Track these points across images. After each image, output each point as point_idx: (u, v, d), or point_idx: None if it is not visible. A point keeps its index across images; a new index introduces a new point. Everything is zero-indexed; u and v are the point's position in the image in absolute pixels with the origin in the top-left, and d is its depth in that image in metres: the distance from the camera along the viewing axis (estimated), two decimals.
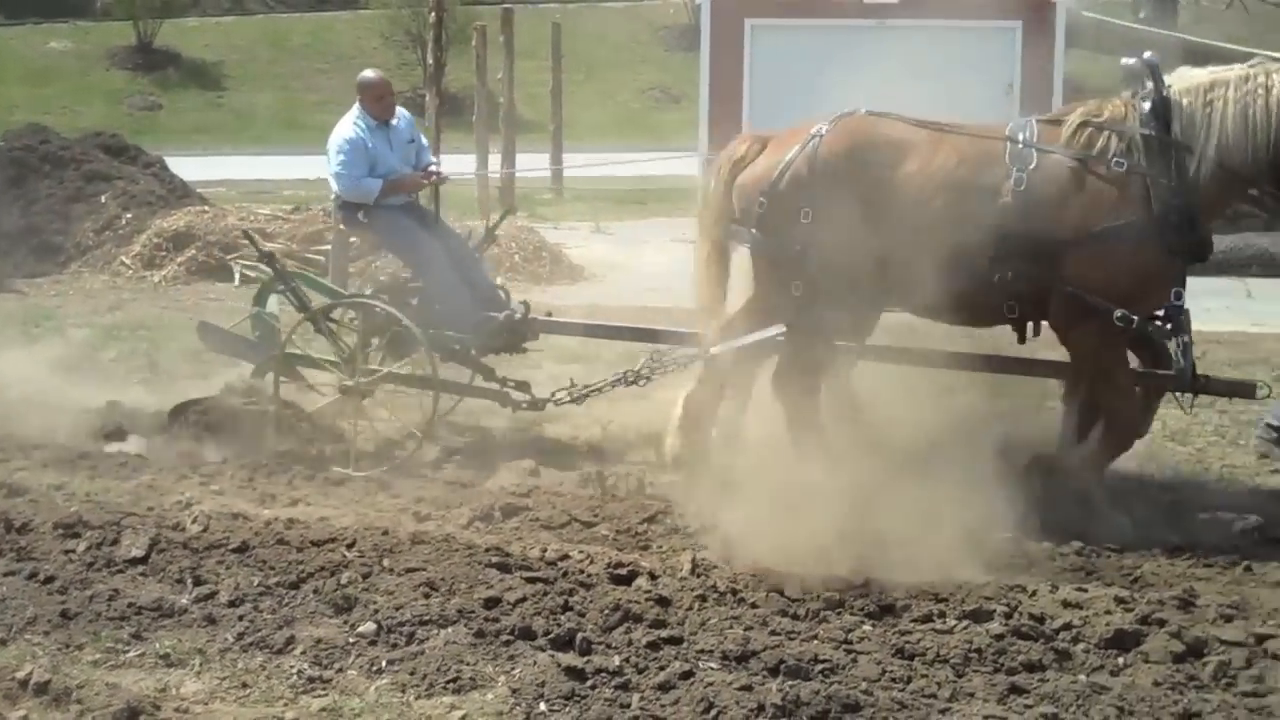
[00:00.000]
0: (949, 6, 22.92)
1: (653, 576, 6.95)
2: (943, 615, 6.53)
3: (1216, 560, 7.59)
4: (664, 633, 6.24)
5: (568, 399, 9.65)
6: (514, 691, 5.72)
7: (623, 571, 6.99)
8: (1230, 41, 31.42)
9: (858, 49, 22.94)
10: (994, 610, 6.53)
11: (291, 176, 28.52)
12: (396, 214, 10.19)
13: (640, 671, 5.89)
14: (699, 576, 6.97)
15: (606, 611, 6.43)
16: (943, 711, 5.59)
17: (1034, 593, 6.82)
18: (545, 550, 7.45)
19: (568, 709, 5.61)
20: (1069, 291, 8.02)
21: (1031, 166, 8.15)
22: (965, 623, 6.43)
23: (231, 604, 6.69)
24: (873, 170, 8.40)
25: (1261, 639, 6.34)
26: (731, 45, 23.02)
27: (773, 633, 6.29)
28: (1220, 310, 15.33)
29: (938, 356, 9.24)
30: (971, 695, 5.77)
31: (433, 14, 27.51)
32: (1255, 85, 7.98)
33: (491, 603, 6.54)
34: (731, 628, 6.31)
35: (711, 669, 5.88)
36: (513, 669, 5.92)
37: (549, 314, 10.44)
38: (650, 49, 49.30)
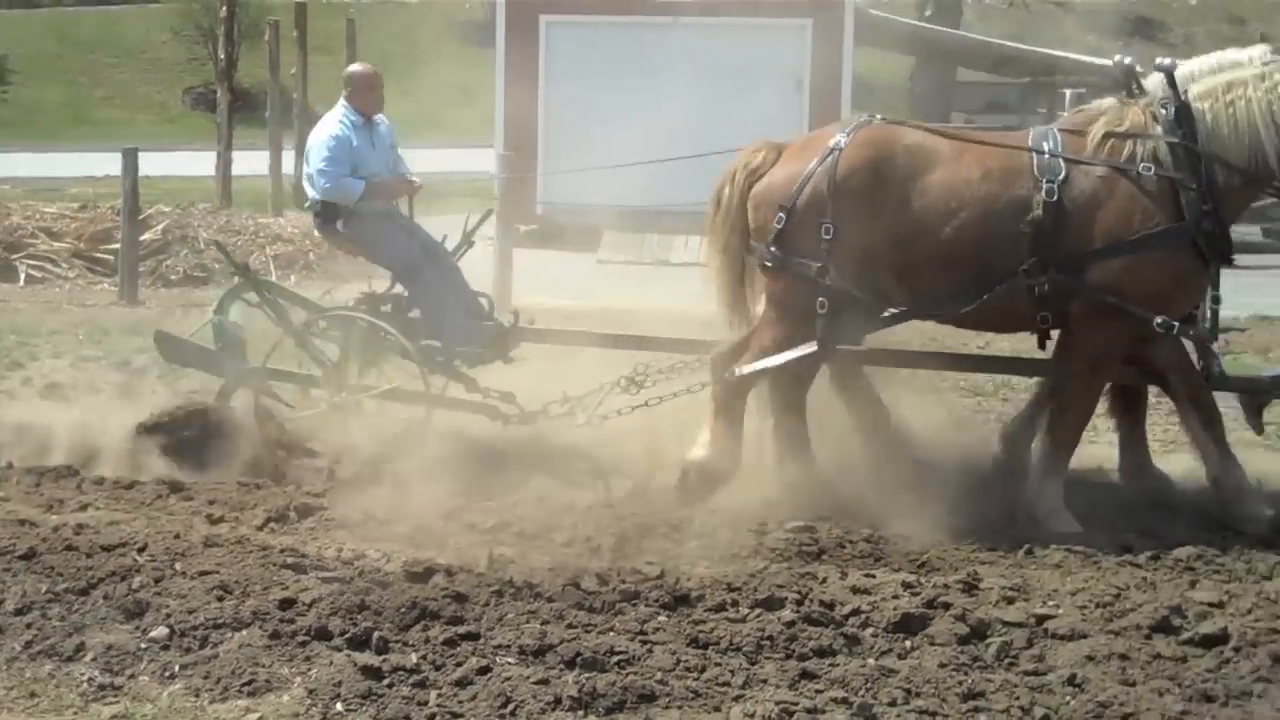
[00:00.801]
0: (741, 4, 23.22)
1: (449, 573, 6.95)
2: (736, 604, 6.64)
3: (999, 544, 7.82)
4: (461, 629, 6.25)
5: (561, 411, 9.40)
6: (310, 692, 5.69)
7: (419, 569, 6.98)
8: (1010, 39, 32.28)
9: (653, 46, 23.29)
10: (785, 598, 6.65)
11: (79, 174, 27.89)
12: (379, 221, 9.83)
13: (438, 668, 5.90)
14: (496, 572, 6.99)
15: (403, 609, 6.42)
16: (736, 699, 5.68)
17: (824, 580, 6.96)
18: (341, 550, 7.42)
19: (365, 708, 5.60)
20: (1108, 299, 8.05)
21: (1061, 177, 8.16)
22: (758, 611, 6.54)
23: (18, 612, 6.55)
24: (896, 184, 8.34)
25: (1041, 619, 6.55)
26: (527, 42, 23.02)
27: (569, 626, 6.34)
28: None
29: (938, 359, 9.60)
30: (764, 682, 5.87)
31: (224, 8, 27.13)
32: (1274, 84, 8.10)
33: (287, 604, 6.50)
34: (528, 622, 6.34)
35: (509, 664, 5.92)
36: (309, 670, 5.89)
37: (532, 322, 10.12)
38: (446, 45, 49.04)
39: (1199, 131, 8.13)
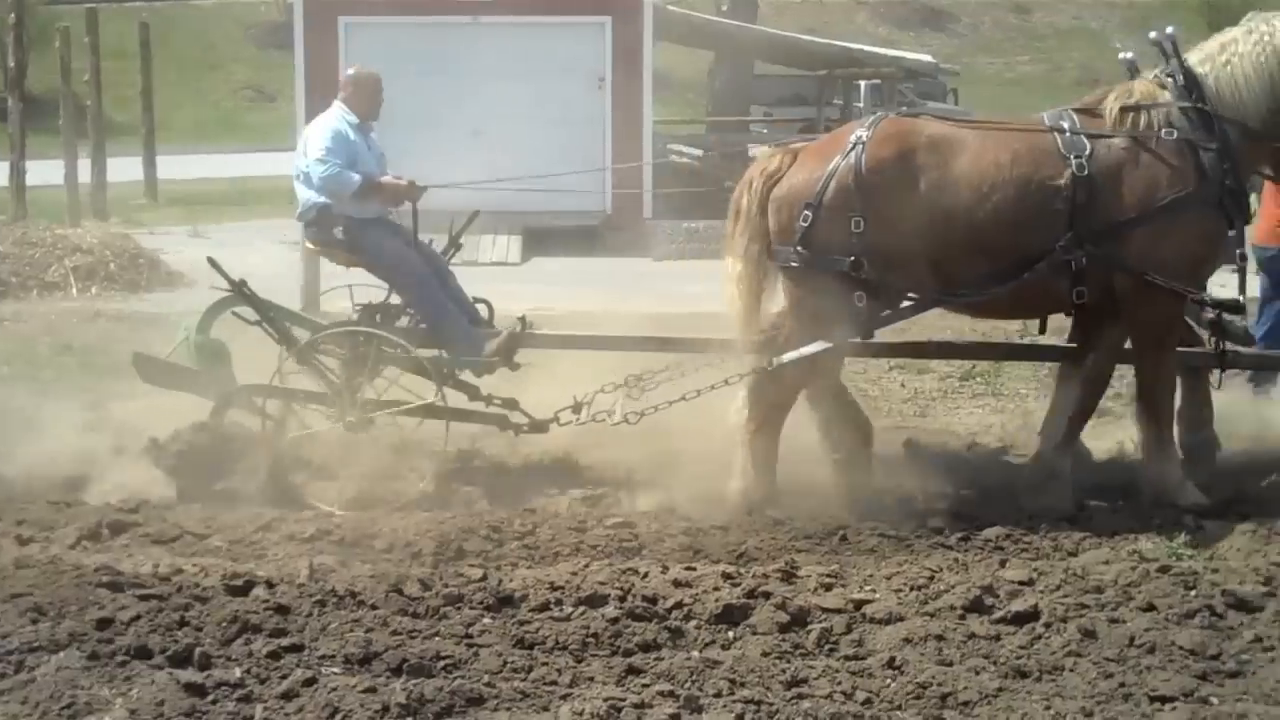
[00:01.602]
0: (541, 3, 23.26)
1: (270, 585, 6.88)
2: (560, 603, 6.67)
3: (815, 532, 7.97)
4: (284, 641, 6.19)
5: (573, 419, 9.17)
6: (132, 713, 5.59)
7: (239, 582, 6.89)
8: (806, 33, 32.73)
9: (454, 46, 23.20)
10: (608, 594, 6.70)
11: None
12: (378, 229, 9.52)
13: (262, 682, 5.83)
14: (317, 582, 6.93)
15: (224, 624, 6.34)
16: (564, 697, 5.71)
17: (646, 575, 7.02)
18: (158, 566, 7.30)
19: None
20: (1142, 271, 8.30)
21: (1087, 152, 8.40)
22: (582, 609, 6.57)
23: None
24: (925, 171, 8.42)
25: (859, 605, 6.69)
26: (326, 43, 22.79)
27: (394, 633, 6.32)
28: None
29: (946, 348, 9.78)
30: (591, 679, 5.91)
31: (12, 14, 26.45)
32: (1260, 35, 8.48)
33: (104, 623, 6.37)
34: (352, 631, 6.30)
35: (334, 674, 5.88)
36: (130, 690, 5.78)
37: (533, 327, 9.75)
38: (242, 47, 48.42)
39: (1206, 94, 8.49)
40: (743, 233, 8.69)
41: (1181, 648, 6.17)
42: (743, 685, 5.84)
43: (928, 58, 33.75)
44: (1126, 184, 8.41)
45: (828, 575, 7.05)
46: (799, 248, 8.47)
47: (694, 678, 5.90)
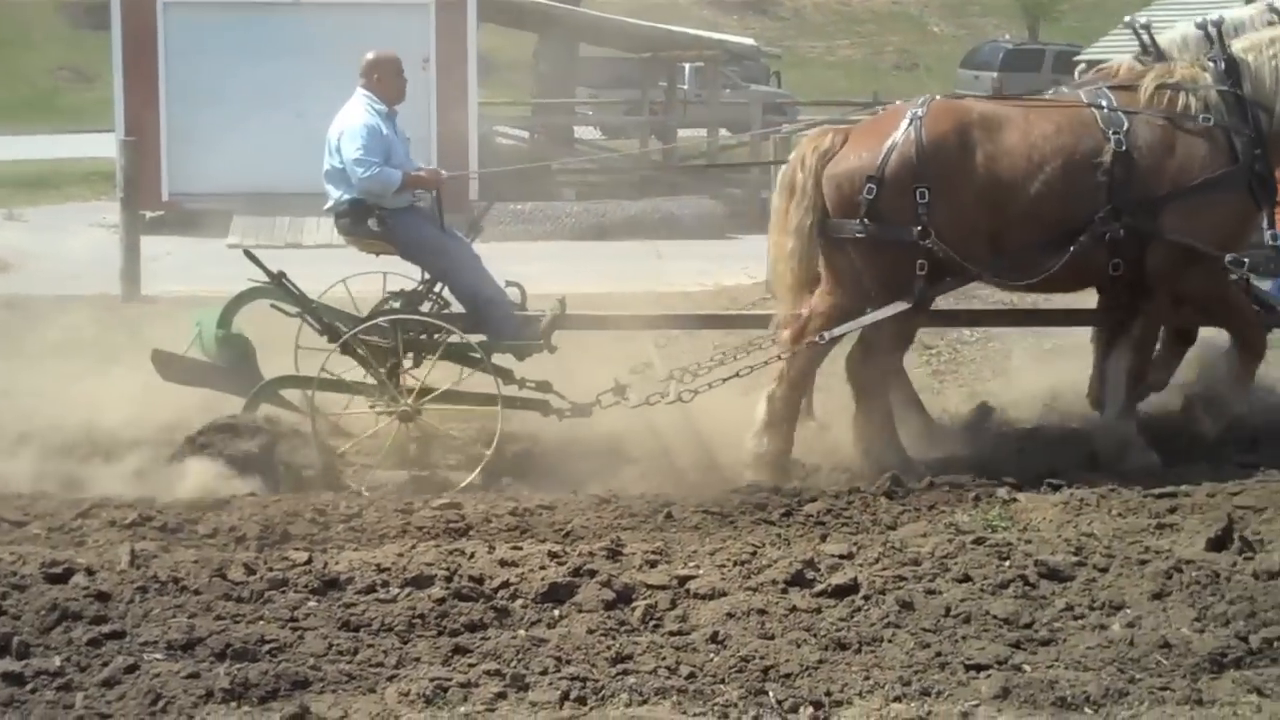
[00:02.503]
0: None
1: (90, 572, 6.77)
2: (386, 585, 6.65)
3: (640, 510, 8.05)
4: (105, 628, 6.11)
5: (614, 401, 9.14)
6: None
7: (58, 570, 6.76)
8: (630, 15, 32.78)
9: (276, 28, 22.89)
10: (435, 575, 6.70)
11: None
12: (413, 217, 9.36)
13: (82, 670, 5.75)
14: (139, 568, 6.83)
15: (43, 612, 6.24)
16: (391, 678, 5.72)
17: (472, 555, 7.03)
18: None
19: (8, 716, 5.43)
20: (1177, 241, 8.74)
21: (1125, 128, 8.79)
22: (408, 590, 6.57)
23: None
24: (981, 144, 8.78)
25: (684, 580, 6.76)
26: (144, 23, 22.32)
27: (218, 618, 6.26)
28: (633, 273, 16.09)
29: (1010, 316, 10.29)
30: (418, 660, 5.92)
31: None
32: None
33: None
34: (175, 617, 6.24)
35: (157, 660, 5.82)
36: None
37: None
38: (57, 27, 47.30)
39: (1244, 82, 8.84)
40: (797, 208, 8.96)
41: (996, 617, 6.34)
42: (568, 663, 5.89)
43: (750, 41, 34.04)
44: (1161, 162, 8.85)
45: (653, 552, 7.12)
46: (865, 220, 8.74)
47: (520, 656, 5.94)
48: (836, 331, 8.92)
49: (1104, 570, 6.85)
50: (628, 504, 8.15)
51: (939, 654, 5.99)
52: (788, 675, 5.80)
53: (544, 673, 5.79)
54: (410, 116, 22.50)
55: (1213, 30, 9.11)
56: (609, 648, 6.02)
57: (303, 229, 20.81)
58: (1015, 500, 8.16)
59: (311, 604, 6.46)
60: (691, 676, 5.80)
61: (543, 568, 6.84)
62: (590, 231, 21.22)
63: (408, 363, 9.22)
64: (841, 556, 7.08)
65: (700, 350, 9.88)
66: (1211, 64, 9.02)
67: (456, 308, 9.54)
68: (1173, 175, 8.85)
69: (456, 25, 23.17)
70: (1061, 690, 5.66)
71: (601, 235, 20.89)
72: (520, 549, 7.17)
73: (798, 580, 6.74)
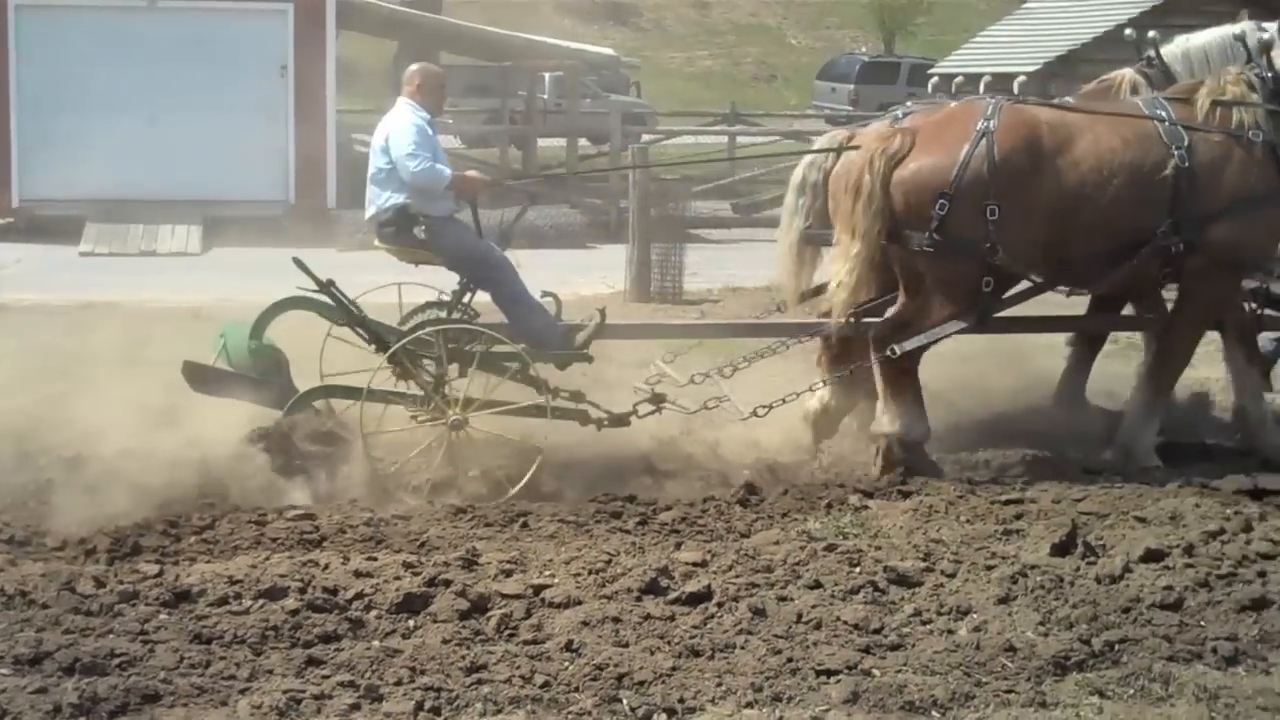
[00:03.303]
0: None
1: None
2: (239, 597, 6.60)
3: (496, 520, 8.06)
4: None
5: (651, 411, 9.25)
6: None
7: None
8: (490, 23, 32.77)
9: (130, 31, 22.56)
10: (288, 587, 6.65)
11: None
12: (456, 226, 9.32)
13: None
14: None
15: None
16: (243, 691, 5.68)
17: (326, 566, 7.00)
18: None
19: None
20: (1225, 253, 9.08)
21: (1186, 144, 9.02)
22: (261, 601, 6.53)
23: None
24: (1049, 159, 8.91)
25: (539, 590, 6.79)
26: None
27: (66, 631, 6.18)
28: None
29: (1063, 322, 10.28)
30: (270, 672, 5.89)
31: None
32: None
33: None
34: (22, 630, 6.14)
35: (3, 675, 5.72)
36: None
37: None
38: None
39: None
40: (865, 212, 8.99)
41: (846, 623, 6.45)
42: (423, 673, 5.89)
43: (609, 51, 34.14)
44: (1219, 177, 9.10)
45: (508, 562, 7.14)
46: (935, 234, 8.85)
47: (374, 667, 5.93)
48: (908, 346, 9.00)
49: (951, 576, 6.99)
50: (484, 514, 8.16)
51: (790, 660, 6.07)
52: (641, 683, 5.85)
53: (398, 683, 5.79)
54: (266, 123, 22.31)
55: (1253, 42, 9.50)
56: (463, 658, 6.03)
57: (156, 237, 20.57)
58: (866, 507, 8.27)
59: (162, 617, 6.40)
60: (546, 685, 5.82)
61: (397, 578, 6.83)
62: None
63: (451, 372, 9.22)
64: (695, 564, 7.14)
65: (705, 361, 9.97)
66: (1259, 80, 9.31)
67: (486, 318, 9.59)
68: (1229, 192, 9.13)
69: (315, 32, 23.02)
70: (910, 694, 5.76)
71: None
72: (375, 559, 7.15)
73: (652, 588, 6.79)
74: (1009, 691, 5.86)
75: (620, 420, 9.29)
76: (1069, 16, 21.25)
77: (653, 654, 6.10)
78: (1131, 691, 5.90)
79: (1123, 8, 20.20)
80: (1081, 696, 5.85)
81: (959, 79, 21.64)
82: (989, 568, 7.05)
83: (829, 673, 5.96)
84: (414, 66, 9.69)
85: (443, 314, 9.38)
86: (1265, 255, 9.43)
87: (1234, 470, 9.02)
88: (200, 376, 9.10)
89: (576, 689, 5.81)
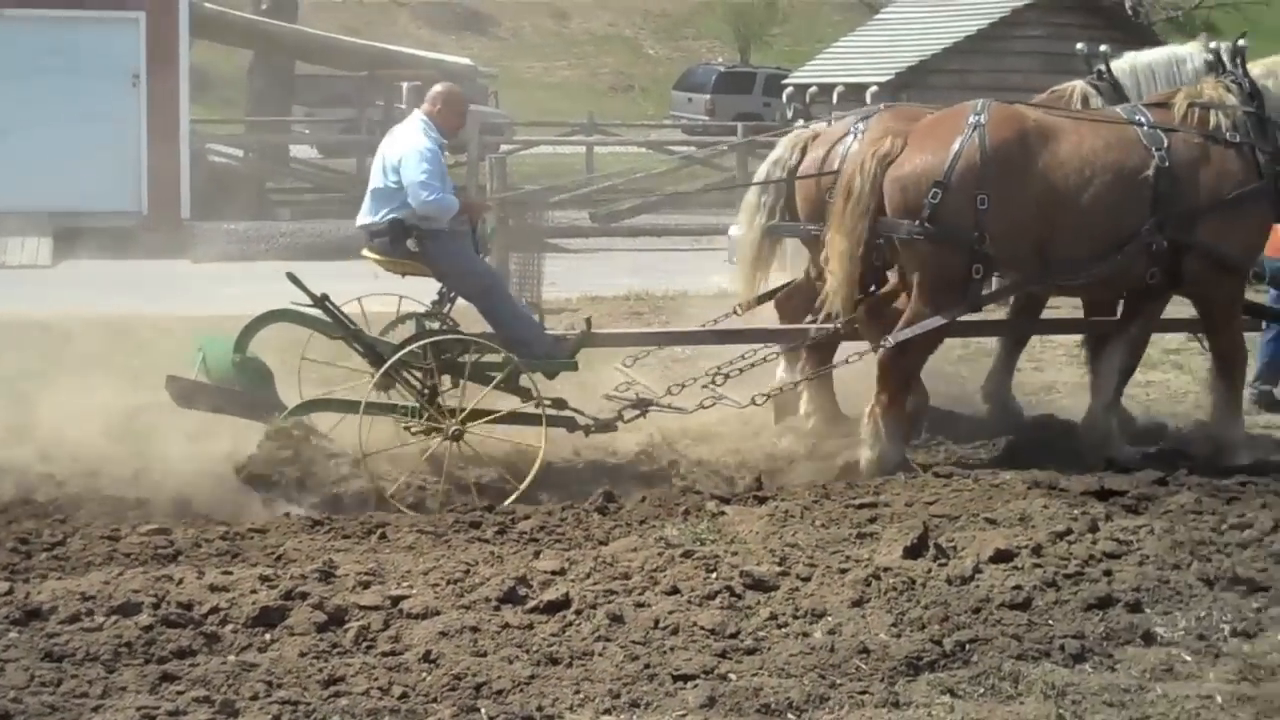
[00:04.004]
0: None
1: None
2: (91, 613, 6.50)
3: (354, 531, 8.03)
4: None
5: (637, 415, 9.46)
6: None
7: None
8: (347, 33, 32.60)
9: None
10: (142, 602, 6.56)
11: None
12: (451, 239, 9.28)
13: None
14: None
15: None
16: (95, 709, 5.60)
17: (181, 581, 6.91)
18: None
19: None
20: (1212, 252, 9.40)
21: (1165, 145, 9.32)
22: (114, 618, 6.43)
23: None
24: (1038, 155, 9.22)
25: (397, 600, 6.76)
26: None
27: None
28: (350, 292, 15.90)
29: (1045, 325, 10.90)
30: (124, 689, 5.81)
31: None
32: None
33: None
34: None
35: None
36: None
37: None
38: None
39: (1266, 103, 9.56)
40: (853, 211, 9.27)
41: (703, 628, 6.50)
42: (280, 687, 5.85)
43: (467, 61, 34.05)
44: (1198, 177, 9.41)
45: (366, 573, 7.10)
46: (926, 223, 9.13)
47: (230, 682, 5.87)
48: (901, 337, 9.29)
49: (807, 579, 7.07)
50: (341, 526, 8.13)
51: (648, 666, 6.11)
52: (500, 692, 5.86)
53: (254, 698, 5.74)
54: (118, 133, 22.00)
55: (1226, 54, 9.87)
56: (321, 670, 6.00)
57: (5, 249, 20.20)
58: (723, 513, 8.35)
59: (12, 635, 6.28)
60: (404, 697, 5.81)
61: (254, 591, 6.77)
62: (306, 251, 20.96)
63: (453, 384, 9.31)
64: (554, 572, 7.17)
65: (671, 366, 10.30)
66: (1236, 85, 9.63)
67: (466, 327, 9.72)
68: (1210, 190, 9.45)
69: (167, 41, 22.74)
70: (766, 697, 5.83)
71: (317, 254, 20.65)
72: (231, 573, 7.08)
73: (510, 597, 6.81)
74: (863, 693, 5.95)
75: (607, 426, 9.47)
76: (920, 28, 21.59)
77: (511, 663, 6.12)
78: (982, 690, 6.02)
79: (971, 20, 20.56)
80: (933, 696, 5.95)
81: (813, 89, 22.05)
82: (843, 571, 7.14)
83: (686, 678, 6.01)
84: (438, 87, 9.71)
85: (429, 325, 9.52)
86: (1248, 254, 9.83)
87: (1081, 471, 9.22)
88: (185, 392, 9.08)
89: (435, 699, 5.81)
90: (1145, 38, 22.09)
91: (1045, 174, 9.26)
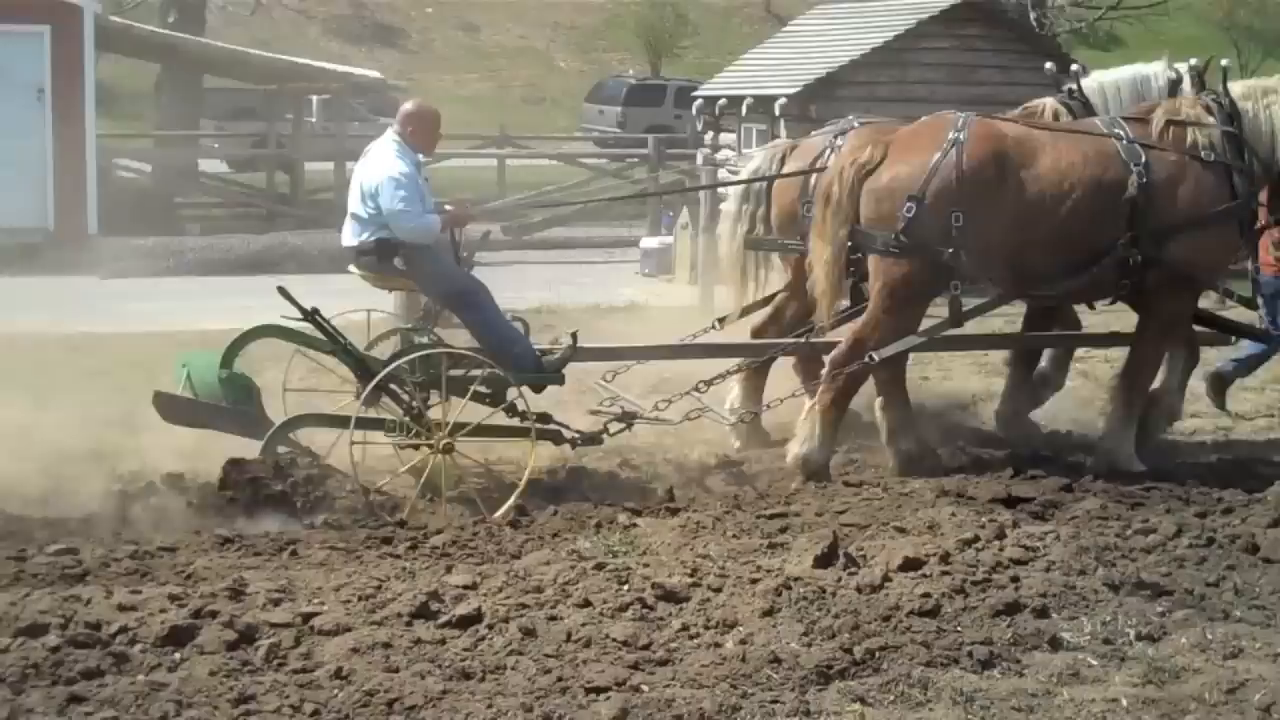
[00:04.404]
0: None
1: None
2: None
3: (265, 549, 7.99)
4: None
5: (622, 428, 9.56)
6: None
7: None
8: (256, 46, 32.39)
9: None
10: (49, 623, 6.49)
11: None
12: (433, 253, 9.35)
13: None
14: None
15: None
16: None
17: (89, 601, 6.84)
18: None
19: None
20: (1182, 268, 9.55)
21: (1144, 161, 9.45)
22: (20, 639, 6.35)
23: None
24: (1014, 172, 9.31)
25: (308, 617, 6.73)
26: None
27: None
28: (259, 308, 15.81)
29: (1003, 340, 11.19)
30: (31, 711, 5.75)
31: None
32: None
33: None
34: None
35: None
36: None
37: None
38: None
39: (1243, 125, 9.73)
40: (833, 218, 9.40)
41: (615, 640, 6.53)
42: (190, 706, 5.82)
43: (376, 74, 33.97)
44: (1175, 194, 9.57)
45: (277, 590, 7.06)
46: (901, 236, 9.23)
47: (139, 702, 5.83)
48: (886, 352, 9.42)
49: (718, 590, 7.11)
50: (252, 543, 8.08)
51: (560, 679, 6.12)
52: (412, 707, 5.85)
53: (164, 718, 5.71)
54: (23, 147, 21.80)
55: (1196, 74, 10.11)
56: (231, 689, 5.96)
57: None
58: (635, 525, 8.38)
59: None
60: (316, 714, 5.80)
61: (163, 610, 6.71)
62: (215, 266, 20.85)
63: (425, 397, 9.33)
64: (466, 587, 7.16)
65: (646, 381, 10.40)
66: (1215, 105, 9.76)
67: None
68: (1186, 207, 9.58)
69: (73, 54, 22.54)
70: (678, 709, 5.86)
71: (226, 270, 20.54)
72: (140, 593, 7.01)
73: (422, 612, 6.79)
74: (774, 702, 5.99)
75: (592, 439, 9.56)
76: (827, 40, 21.71)
77: (423, 678, 6.11)
78: (892, 697, 6.08)
79: (877, 33, 20.69)
80: (844, 704, 6.01)
81: (722, 101, 22.13)
82: (754, 581, 7.19)
83: (598, 690, 6.03)
84: (409, 106, 9.76)
85: (416, 340, 9.56)
86: (1216, 270, 10.06)
87: (990, 479, 9.33)
88: (172, 407, 9.09)
89: (347, 716, 5.79)
90: (1049, 49, 22.31)
91: (1022, 191, 9.36)
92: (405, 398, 9.20)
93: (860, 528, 8.27)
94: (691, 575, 7.31)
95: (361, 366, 9.26)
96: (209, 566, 7.66)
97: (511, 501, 8.93)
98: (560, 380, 9.61)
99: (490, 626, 6.66)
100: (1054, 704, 6.05)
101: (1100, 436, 10.10)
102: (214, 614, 6.67)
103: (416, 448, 9.21)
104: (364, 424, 9.13)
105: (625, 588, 7.12)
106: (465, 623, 6.71)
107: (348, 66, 34.24)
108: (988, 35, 20.87)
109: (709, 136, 23.02)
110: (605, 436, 9.62)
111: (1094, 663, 6.49)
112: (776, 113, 20.22)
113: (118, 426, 9.82)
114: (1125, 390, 10.03)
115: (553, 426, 9.54)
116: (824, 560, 7.44)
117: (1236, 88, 10.06)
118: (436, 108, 9.97)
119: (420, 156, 9.60)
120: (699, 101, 23.35)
